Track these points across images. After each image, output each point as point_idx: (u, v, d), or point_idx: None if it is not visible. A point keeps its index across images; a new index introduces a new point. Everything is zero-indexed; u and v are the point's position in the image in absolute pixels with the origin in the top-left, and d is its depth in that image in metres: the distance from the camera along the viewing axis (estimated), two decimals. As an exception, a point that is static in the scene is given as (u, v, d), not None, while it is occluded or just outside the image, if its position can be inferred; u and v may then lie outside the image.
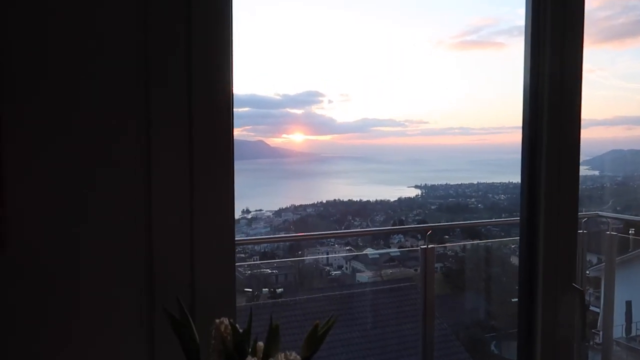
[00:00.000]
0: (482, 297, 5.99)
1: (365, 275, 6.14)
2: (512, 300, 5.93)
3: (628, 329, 3.66)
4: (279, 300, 5.37)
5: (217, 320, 0.73)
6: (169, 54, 0.88)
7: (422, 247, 2.52)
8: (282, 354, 0.66)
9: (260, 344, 0.75)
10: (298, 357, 0.65)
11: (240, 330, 0.72)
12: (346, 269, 6.32)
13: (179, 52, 0.88)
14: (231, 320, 0.70)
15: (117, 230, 0.85)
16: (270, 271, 6.19)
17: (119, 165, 0.86)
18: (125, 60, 0.86)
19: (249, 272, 6.28)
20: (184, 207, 0.88)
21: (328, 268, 6.35)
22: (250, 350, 0.70)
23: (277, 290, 5.73)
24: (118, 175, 0.86)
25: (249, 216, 6.90)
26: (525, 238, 1.23)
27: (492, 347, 5.68)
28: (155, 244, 0.86)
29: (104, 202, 0.85)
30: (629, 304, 3.63)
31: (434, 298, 2.60)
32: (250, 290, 5.99)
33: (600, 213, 3.19)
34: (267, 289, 5.89)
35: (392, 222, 6.97)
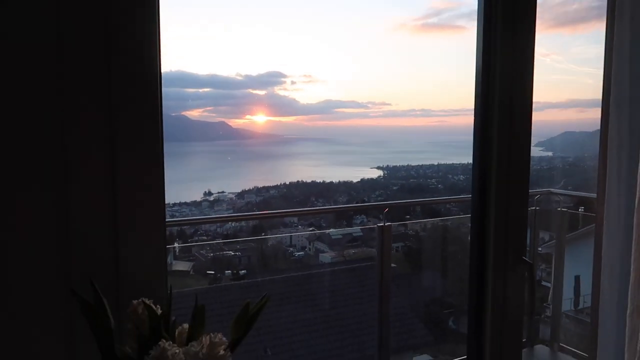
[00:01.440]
0: (441, 275, 6.09)
1: (328, 256, 6.15)
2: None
3: (576, 302, 3.78)
4: (242, 282, 5.32)
5: (134, 302, 0.65)
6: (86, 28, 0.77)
7: (378, 225, 2.49)
8: (207, 336, 0.59)
9: (185, 326, 0.67)
10: (223, 338, 0.59)
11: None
12: (309, 249, 6.31)
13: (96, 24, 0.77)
14: (148, 302, 0.62)
15: (29, 208, 0.76)
16: (233, 253, 6.12)
17: (33, 137, 0.76)
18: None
19: (211, 254, 6.19)
20: (106, 184, 0.79)
21: (291, 249, 6.34)
22: (170, 333, 0.63)
23: (239, 272, 5.68)
24: (30, 147, 0.76)
25: (211, 198, 6.78)
26: (476, 212, 1.20)
27: (450, 323, 5.80)
28: (72, 223, 0.77)
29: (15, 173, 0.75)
30: (577, 279, 3.75)
31: (390, 276, 2.58)
32: (213, 272, 5.91)
33: (552, 190, 3.24)
34: (229, 271, 5.83)
35: (354, 202, 6.97)
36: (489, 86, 1.19)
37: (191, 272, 5.89)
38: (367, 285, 5.04)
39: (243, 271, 5.64)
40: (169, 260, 5.89)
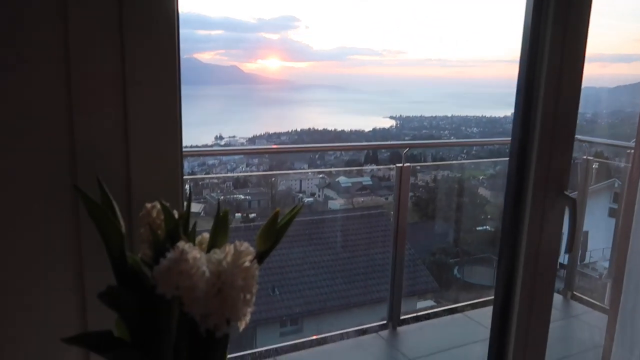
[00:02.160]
0: (448, 226, 6.07)
1: (337, 203, 6.13)
2: (477, 228, 6.03)
3: (582, 257, 3.78)
4: (251, 224, 5.32)
5: (148, 205, 0.55)
6: None
7: (397, 165, 2.38)
8: (231, 245, 0.49)
9: (205, 235, 0.58)
10: (251, 248, 0.49)
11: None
12: (319, 196, 6.29)
13: None
14: (165, 204, 0.52)
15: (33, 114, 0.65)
16: (243, 197, 6.13)
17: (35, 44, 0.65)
18: None
19: (222, 197, 6.19)
20: (114, 78, 0.68)
21: (301, 195, 6.32)
22: (190, 240, 0.53)
23: (249, 215, 5.69)
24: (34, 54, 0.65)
25: (222, 142, 6.72)
26: (517, 144, 1.08)
27: (455, 272, 5.82)
28: (77, 128, 0.67)
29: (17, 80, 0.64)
30: (585, 234, 3.73)
31: (406, 218, 2.49)
32: None
33: (579, 137, 3.09)
34: (239, 214, 5.85)
35: (365, 152, 6.86)
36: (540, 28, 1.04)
37: (202, 214, 5.90)
38: (377, 232, 5.01)
39: (253, 214, 5.65)
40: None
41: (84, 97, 0.66)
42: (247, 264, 0.51)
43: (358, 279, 4.68)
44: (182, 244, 0.45)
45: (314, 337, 2.40)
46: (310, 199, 6.33)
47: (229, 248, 0.51)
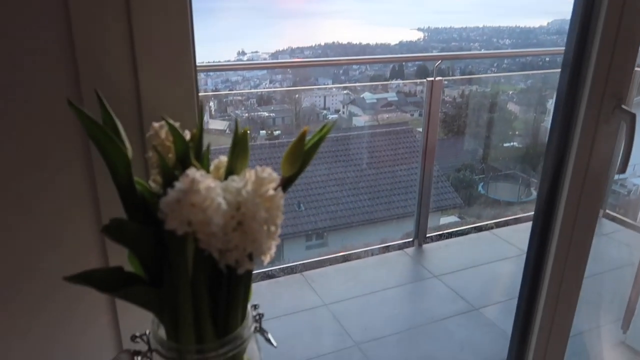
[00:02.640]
0: (474, 142, 5.94)
1: (361, 120, 6.02)
2: (504, 145, 5.88)
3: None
4: (276, 141, 5.29)
5: (156, 124, 0.47)
6: None
7: (428, 79, 2.23)
8: (252, 171, 0.41)
9: (223, 159, 0.50)
10: (274, 174, 0.40)
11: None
12: (343, 113, 6.18)
13: None
14: (173, 123, 0.44)
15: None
16: (267, 114, 6.07)
17: None
18: None
19: (246, 114, 6.14)
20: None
21: (325, 112, 6.23)
22: (204, 165, 0.45)
23: (274, 132, 5.66)
24: None
25: (245, 58, 6.54)
26: (573, 48, 0.94)
27: (480, 188, 5.77)
28: (78, 40, 0.57)
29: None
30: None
31: (436, 135, 2.37)
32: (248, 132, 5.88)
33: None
34: (264, 131, 5.83)
35: (391, 66, 6.59)
36: None
37: (227, 131, 5.89)
38: (402, 148, 4.91)
39: (277, 131, 5.61)
40: (205, 119, 5.85)
41: (84, 6, 0.56)
42: (270, 192, 0.43)
43: (382, 195, 4.67)
44: (193, 172, 0.37)
45: (339, 254, 2.41)
46: (335, 116, 6.25)
47: (249, 174, 0.43)
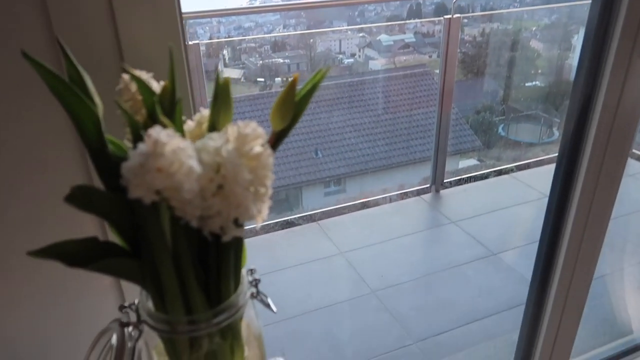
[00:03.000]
0: (495, 83, 5.73)
1: (378, 63, 5.85)
2: (526, 84, 5.65)
3: None
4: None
5: (126, 76, 0.41)
6: None
7: (445, 17, 2.08)
8: (234, 126, 0.36)
9: (205, 112, 0.44)
10: (260, 129, 0.34)
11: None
12: (359, 57, 6.00)
13: None
14: (136, 73, 0.38)
15: None
16: (282, 61, 5.94)
17: None
18: None
19: (261, 62, 6.01)
20: None
21: (341, 56, 6.06)
22: (177, 122, 0.39)
23: (289, 79, 5.51)
24: None
25: (257, 2, 6.32)
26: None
27: (500, 130, 5.62)
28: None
29: None
30: None
31: (454, 76, 2.25)
32: (263, 80, 5.78)
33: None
34: (279, 79, 5.72)
35: (408, 5, 6.28)
36: None
37: (242, 80, 5.78)
38: (421, 91, 4.76)
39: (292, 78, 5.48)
40: (219, 67, 5.75)
41: None
42: (256, 150, 0.37)
43: (400, 140, 4.58)
44: (157, 131, 0.31)
45: (355, 202, 2.37)
46: (351, 60, 6.08)
47: (231, 130, 0.37)
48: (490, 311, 1.74)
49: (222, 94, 0.42)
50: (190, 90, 0.61)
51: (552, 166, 1.09)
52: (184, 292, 0.43)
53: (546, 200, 1.10)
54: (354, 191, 4.46)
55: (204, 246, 0.42)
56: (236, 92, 5.46)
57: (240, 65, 5.97)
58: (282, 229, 2.28)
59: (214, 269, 0.44)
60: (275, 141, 0.45)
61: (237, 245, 0.44)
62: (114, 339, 0.48)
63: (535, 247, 1.13)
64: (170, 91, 0.38)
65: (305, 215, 2.36)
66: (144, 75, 0.42)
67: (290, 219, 2.34)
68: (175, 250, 0.40)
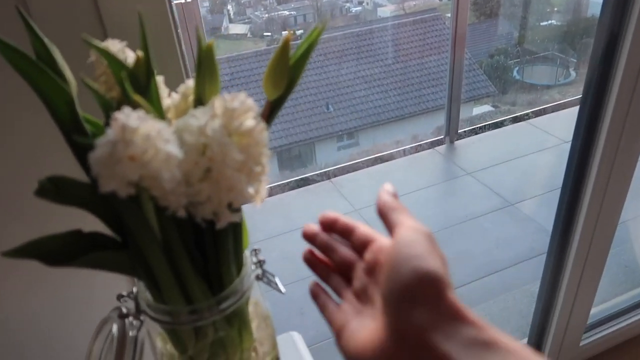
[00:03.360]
0: (509, 24, 5.49)
1: (387, 10, 5.63)
2: (541, 24, 5.40)
3: None
4: (298, 41, 5.03)
5: (97, 45, 0.36)
6: None
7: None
8: (221, 99, 0.30)
9: (189, 84, 0.39)
10: (249, 101, 0.30)
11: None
12: (367, 4, 5.78)
13: None
14: (101, 44, 0.33)
15: None
16: (288, 13, 5.77)
17: None
18: None
19: (266, 15, 5.84)
20: None
21: (348, 5, 5.85)
22: (152, 98, 0.34)
23: (296, 32, 5.39)
24: None
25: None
26: None
27: (514, 73, 5.44)
28: None
29: None
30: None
31: (466, 20, 2.12)
32: (269, 34, 5.63)
33: None
34: (285, 32, 5.54)
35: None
36: None
37: (248, 35, 5.63)
38: (432, 37, 4.57)
39: (300, 31, 5.36)
40: (223, 24, 5.58)
41: None
42: (247, 124, 0.32)
43: (412, 89, 4.45)
44: (124, 115, 0.26)
45: (370, 157, 2.31)
46: (358, 8, 5.88)
47: (216, 105, 0.32)
48: (509, 262, 1.70)
49: (205, 61, 0.36)
50: (181, 56, 0.56)
51: (571, 110, 1.02)
52: (180, 282, 0.39)
53: (565, 146, 1.04)
54: (367, 144, 4.39)
55: (199, 232, 0.38)
56: (243, 48, 5.33)
57: (246, 20, 5.80)
58: (297, 187, 2.24)
59: (213, 255, 0.40)
60: (270, 112, 0.39)
61: (235, 229, 0.40)
62: (115, 329, 0.45)
63: (554, 195, 1.08)
64: (144, 63, 0.33)
65: (320, 173, 2.32)
66: (115, 45, 0.36)
67: (305, 177, 2.30)
68: (165, 240, 0.36)
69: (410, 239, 0.29)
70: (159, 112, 0.34)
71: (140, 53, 0.33)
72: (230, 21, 5.86)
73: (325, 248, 0.39)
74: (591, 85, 0.92)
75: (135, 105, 0.31)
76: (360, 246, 0.36)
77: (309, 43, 0.38)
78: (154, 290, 0.40)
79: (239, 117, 0.33)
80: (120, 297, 0.45)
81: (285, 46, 0.37)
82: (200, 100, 0.38)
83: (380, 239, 0.35)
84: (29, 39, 0.36)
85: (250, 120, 0.33)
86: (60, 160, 0.53)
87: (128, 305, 0.46)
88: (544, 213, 1.85)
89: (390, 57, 4.56)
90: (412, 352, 0.26)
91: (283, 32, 5.62)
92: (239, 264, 0.43)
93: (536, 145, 2.30)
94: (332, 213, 0.39)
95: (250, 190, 0.35)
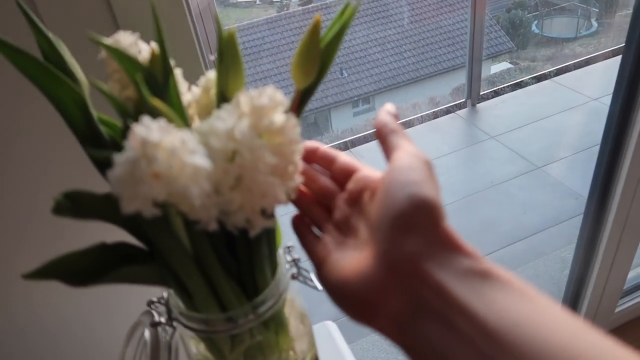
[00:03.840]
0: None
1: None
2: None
3: None
4: (310, 6, 4.89)
5: (107, 40, 0.32)
6: None
7: None
8: (244, 96, 0.27)
9: (210, 75, 0.35)
10: (278, 94, 0.26)
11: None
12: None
13: None
14: (125, 40, 0.29)
15: None
16: None
17: None
18: None
19: (275, -20, 5.69)
20: None
21: (358, -36, 5.61)
22: (172, 97, 0.31)
23: None
24: None
25: None
26: None
27: (533, 27, 5.24)
28: None
29: None
30: None
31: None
32: (279, 0, 5.48)
33: None
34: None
35: None
36: None
37: (257, 2, 5.49)
38: (446, -6, 4.40)
39: None
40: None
41: None
42: (278, 122, 0.29)
43: (427, 49, 4.31)
44: (143, 128, 0.23)
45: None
46: (368, -33, 5.66)
47: (242, 103, 0.29)
48: (537, 228, 1.66)
49: (228, 52, 0.32)
50: (196, 39, 0.52)
51: (598, 65, 0.95)
52: (214, 290, 0.37)
53: (594, 104, 0.97)
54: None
55: (230, 236, 0.35)
56: (253, 16, 5.21)
57: (253, -15, 5.67)
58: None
59: (246, 259, 0.37)
60: (300, 102, 0.36)
61: (268, 231, 0.37)
62: (147, 335, 0.43)
63: (583, 156, 1.02)
64: (160, 58, 0.29)
65: (340, 143, 2.27)
66: (126, 38, 0.32)
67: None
68: (195, 250, 0.33)
69: (408, 165, 0.27)
70: (181, 115, 0.30)
71: (155, 47, 0.29)
72: (237, -13, 5.73)
73: (305, 178, 0.36)
74: (635, 33, 0.85)
75: (153, 110, 0.28)
76: (342, 176, 0.35)
77: (342, 23, 0.33)
78: (186, 299, 0.38)
79: (268, 114, 0.29)
80: (150, 303, 0.43)
81: (316, 30, 0.33)
82: (223, 94, 0.34)
83: (364, 168, 0.33)
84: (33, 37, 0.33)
85: (280, 116, 0.29)
86: (75, 166, 0.50)
87: (159, 310, 0.44)
88: (573, 175, 1.78)
89: (405, 17, 4.41)
90: (403, 280, 0.24)
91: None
92: (273, 265, 0.40)
93: (562, 105, 2.19)
94: (313, 142, 0.37)
95: (284, 192, 0.32)
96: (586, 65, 2.42)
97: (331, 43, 0.34)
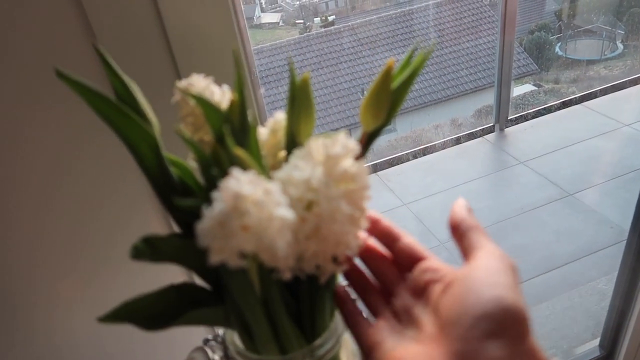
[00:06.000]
0: (551, -2, 5.25)
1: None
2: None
3: None
4: (332, 28, 4.96)
5: (181, 83, 0.33)
6: None
7: None
8: (318, 144, 0.27)
9: (279, 117, 0.36)
10: (350, 142, 0.26)
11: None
12: (400, -16, 5.62)
13: None
14: (199, 84, 0.30)
15: None
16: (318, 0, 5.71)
17: None
18: None
19: (297, 2, 5.80)
20: None
21: (381, -14, 5.71)
22: (249, 139, 0.31)
23: (328, 17, 5.34)
24: None
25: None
26: None
27: (557, 49, 5.21)
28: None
29: None
30: None
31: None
32: (302, 21, 5.58)
33: None
34: (318, 18, 5.53)
35: None
36: None
37: (280, 24, 5.59)
38: (469, 16, 4.41)
39: (332, 16, 5.30)
40: (255, 13, 5.56)
41: None
42: (351, 170, 0.29)
43: (449, 71, 4.31)
44: (235, 182, 0.23)
45: (416, 148, 2.24)
46: (392, -11, 5.73)
47: (316, 152, 0.29)
48: (571, 257, 1.61)
49: (300, 97, 0.32)
50: (249, 76, 0.52)
51: (630, 90, 0.93)
52: (276, 332, 0.36)
53: (626, 130, 0.95)
54: (404, 129, 4.30)
55: (296, 285, 0.35)
56: (276, 37, 5.30)
57: (278, 9, 5.77)
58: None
59: (307, 302, 0.37)
60: (366, 144, 0.36)
61: (332, 283, 0.37)
62: (202, 375, 0.43)
63: (617, 183, 1.00)
64: (239, 106, 0.30)
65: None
66: (201, 82, 0.33)
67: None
68: (264, 297, 0.33)
69: (494, 266, 0.26)
70: (260, 164, 0.31)
71: (234, 97, 0.30)
72: (262, 10, 5.84)
73: (366, 254, 0.35)
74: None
75: (234, 158, 0.28)
76: (403, 258, 0.33)
77: (412, 69, 0.34)
78: (246, 339, 0.37)
79: (341, 162, 0.29)
80: (206, 341, 0.43)
81: (388, 74, 0.33)
82: (293, 137, 0.34)
83: (431, 257, 0.32)
84: (102, 78, 0.34)
85: (351, 163, 0.29)
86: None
87: (213, 347, 0.44)
88: (607, 203, 1.73)
89: (430, 40, 4.44)
90: None
91: (315, 19, 5.57)
92: (332, 307, 0.40)
93: (594, 130, 2.15)
94: (374, 212, 0.35)
95: (354, 240, 0.31)
96: (613, 91, 2.38)
97: (400, 88, 0.34)
